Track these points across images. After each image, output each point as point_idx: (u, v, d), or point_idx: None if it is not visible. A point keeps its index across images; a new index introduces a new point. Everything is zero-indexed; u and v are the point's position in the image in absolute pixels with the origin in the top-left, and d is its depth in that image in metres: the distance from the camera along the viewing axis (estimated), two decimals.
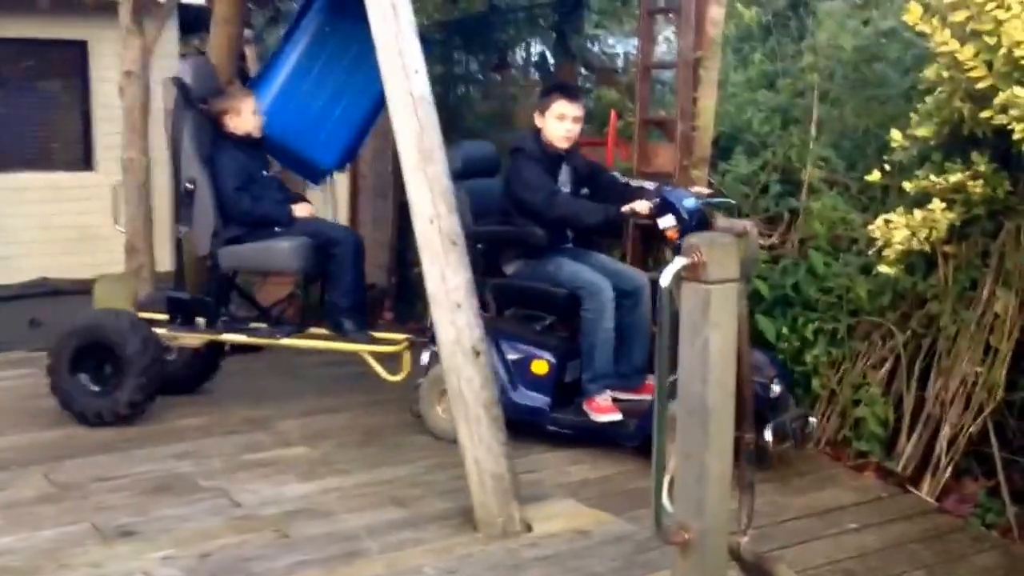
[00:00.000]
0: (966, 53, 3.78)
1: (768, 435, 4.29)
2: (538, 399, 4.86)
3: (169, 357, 5.48)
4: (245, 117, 5.36)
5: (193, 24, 9.45)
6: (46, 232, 9.14)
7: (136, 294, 6.20)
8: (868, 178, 4.37)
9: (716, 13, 5.34)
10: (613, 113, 5.95)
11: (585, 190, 5.03)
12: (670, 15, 6.14)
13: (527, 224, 4.82)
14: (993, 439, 4.39)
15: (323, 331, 5.31)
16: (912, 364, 4.72)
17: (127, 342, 5.05)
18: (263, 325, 5.48)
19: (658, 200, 4.59)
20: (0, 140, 9.14)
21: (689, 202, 4.55)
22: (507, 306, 5.12)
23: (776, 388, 4.50)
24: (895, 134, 4.26)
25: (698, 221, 4.50)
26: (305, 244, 5.15)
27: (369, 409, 5.45)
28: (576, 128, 4.89)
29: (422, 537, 3.75)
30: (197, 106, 5.36)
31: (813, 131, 5.24)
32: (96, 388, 5.15)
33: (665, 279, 2.73)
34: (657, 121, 5.74)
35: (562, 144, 4.87)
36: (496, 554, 3.59)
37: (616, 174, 5.17)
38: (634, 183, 4.97)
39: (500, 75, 7.17)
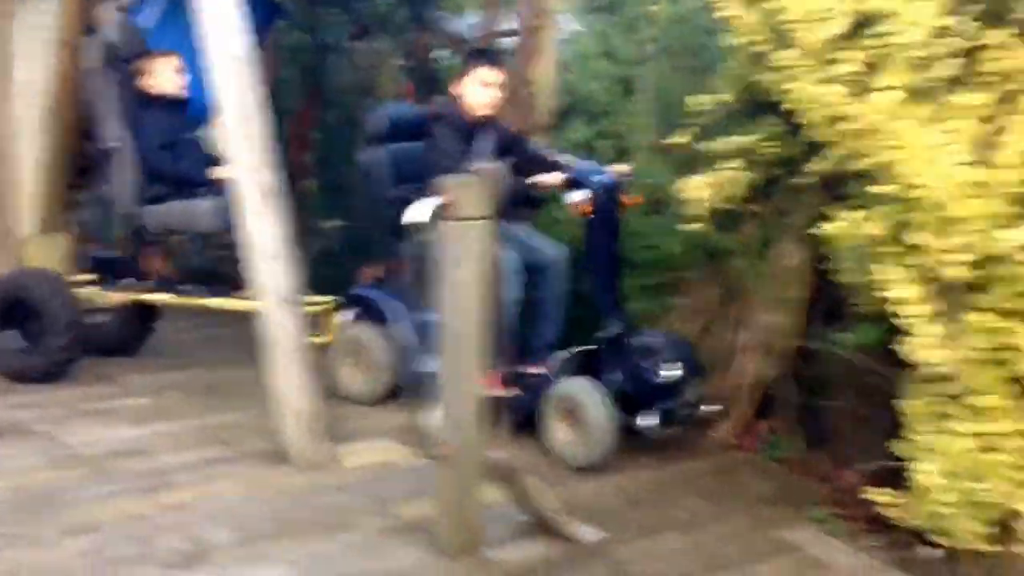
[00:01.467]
0: (748, 19, 4.05)
1: (644, 420, 4.34)
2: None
3: (102, 318, 5.56)
4: (162, 77, 5.39)
5: None
6: None
7: (69, 254, 6.08)
8: (671, 140, 4.65)
9: None
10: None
11: (509, 159, 4.89)
12: None
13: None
14: (787, 384, 4.71)
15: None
16: (724, 316, 5.03)
17: (48, 301, 5.11)
18: (189, 286, 5.48)
19: (569, 174, 4.53)
20: None
21: (600, 176, 4.50)
22: (422, 271, 5.09)
23: (667, 372, 4.45)
24: (694, 99, 4.54)
25: (610, 197, 4.51)
26: (225, 204, 5.01)
27: (222, 366, 5.61)
28: (498, 95, 4.84)
29: (235, 471, 3.97)
30: (122, 66, 5.40)
31: (644, 100, 5.52)
32: (22, 345, 5.21)
33: (420, 215, 3.00)
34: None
35: (484, 111, 4.82)
36: (298, 483, 3.83)
37: (539, 145, 5.14)
38: (558, 157, 4.92)
39: (361, 44, 7.35)
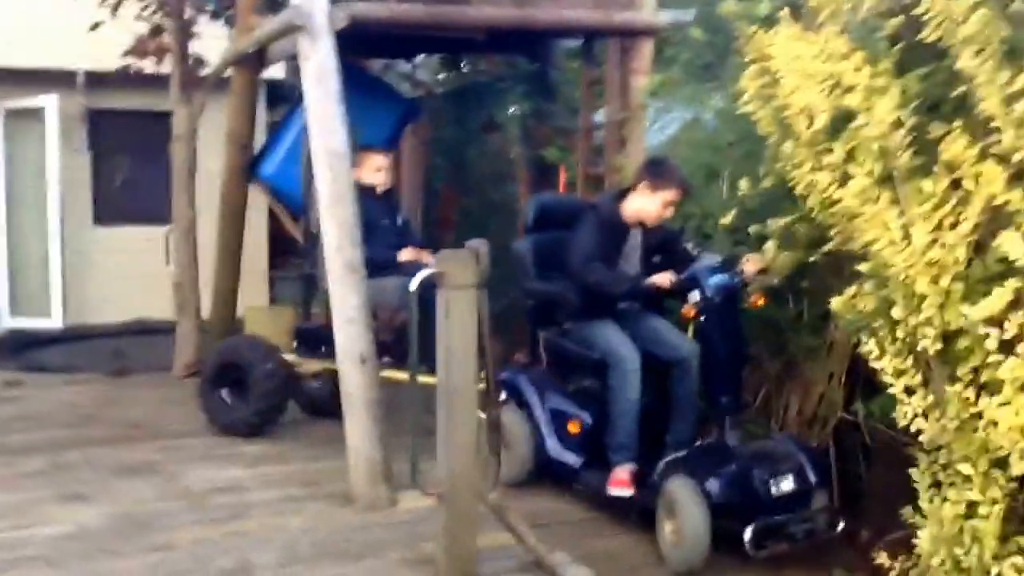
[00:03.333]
0: (763, 114, 4.43)
1: (747, 534, 4.06)
2: (570, 457, 4.84)
3: (315, 384, 6.26)
4: (366, 172, 5.87)
5: (279, 97, 10.57)
6: (142, 279, 9.91)
7: (288, 324, 6.92)
8: (722, 221, 5.01)
9: (640, 82, 6.13)
10: (561, 168, 6.73)
11: (657, 258, 4.91)
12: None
13: (572, 284, 4.79)
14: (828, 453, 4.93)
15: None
16: (781, 388, 5.28)
17: (256, 366, 5.80)
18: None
19: (685, 275, 4.47)
20: (106, 199, 10.36)
21: (716, 279, 4.39)
22: (557, 362, 5.11)
23: (784, 485, 4.20)
24: (743, 183, 4.91)
25: (728, 299, 4.42)
26: (408, 283, 5.61)
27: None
28: (669, 215, 4.87)
29: (305, 508, 4.65)
30: None
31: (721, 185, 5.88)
32: (230, 402, 5.95)
33: (412, 285, 3.58)
34: (596, 175, 6.49)
35: (650, 223, 4.84)
36: (352, 520, 4.45)
37: (686, 244, 5.03)
38: (700, 252, 4.88)
39: (491, 135, 8.07)
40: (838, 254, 4.53)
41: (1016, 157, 3.36)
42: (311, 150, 5.05)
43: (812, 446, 4.50)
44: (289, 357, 6.05)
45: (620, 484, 4.55)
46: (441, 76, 8.97)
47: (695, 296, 4.39)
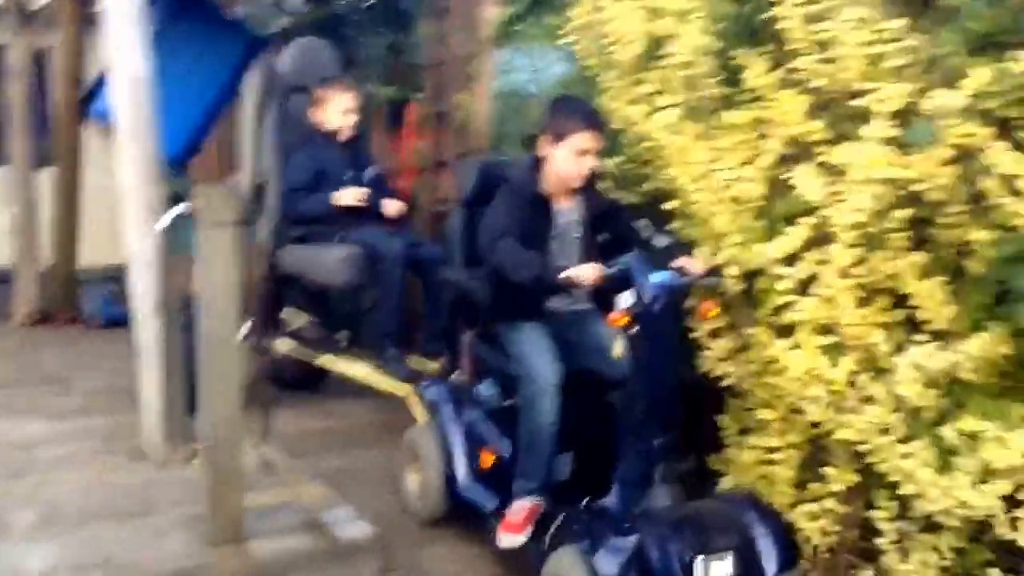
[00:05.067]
0: (583, 45, 4.14)
1: None
2: (482, 496, 3.77)
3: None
4: (330, 113, 5.09)
5: None
6: None
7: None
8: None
9: (489, 13, 5.78)
10: (411, 107, 6.38)
11: (604, 236, 3.85)
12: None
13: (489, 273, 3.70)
14: None
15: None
16: None
17: None
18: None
19: (618, 269, 3.25)
20: None
21: (657, 277, 3.19)
22: (480, 373, 4.00)
23: (717, 568, 3.04)
24: None
25: (670, 304, 3.22)
26: (356, 255, 4.70)
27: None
28: (594, 163, 3.69)
29: (95, 464, 4.29)
30: (288, 95, 5.20)
31: None
32: None
33: (161, 224, 3.26)
34: (440, 113, 6.13)
35: (574, 183, 3.71)
36: (138, 477, 4.11)
37: (638, 222, 3.87)
38: (657, 239, 3.76)
39: (350, 72, 7.66)
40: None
41: (816, 83, 3.16)
42: (111, 76, 4.62)
43: (779, 516, 3.29)
44: None
45: (512, 529, 3.51)
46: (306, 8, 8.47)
47: (628, 299, 3.19)
